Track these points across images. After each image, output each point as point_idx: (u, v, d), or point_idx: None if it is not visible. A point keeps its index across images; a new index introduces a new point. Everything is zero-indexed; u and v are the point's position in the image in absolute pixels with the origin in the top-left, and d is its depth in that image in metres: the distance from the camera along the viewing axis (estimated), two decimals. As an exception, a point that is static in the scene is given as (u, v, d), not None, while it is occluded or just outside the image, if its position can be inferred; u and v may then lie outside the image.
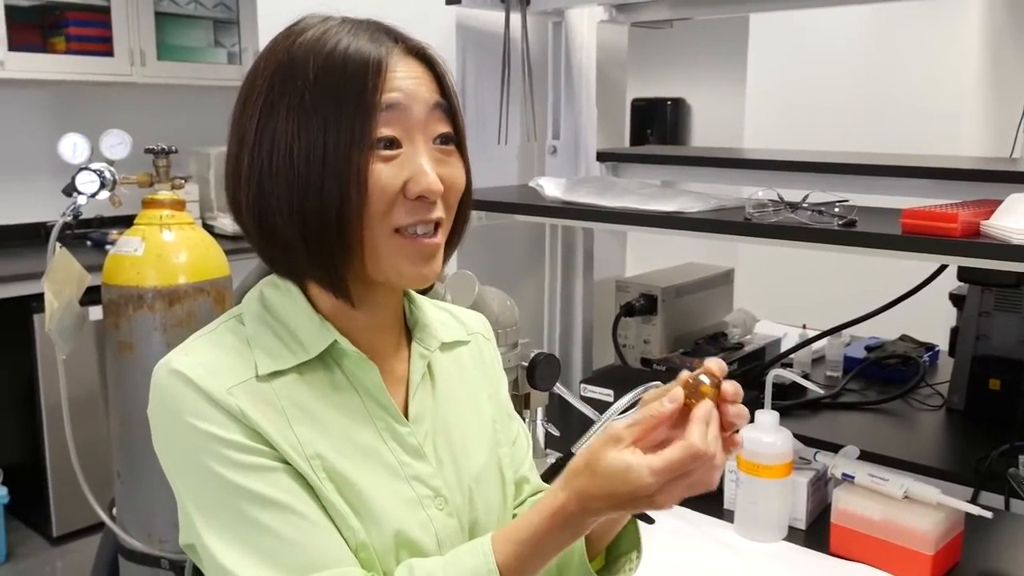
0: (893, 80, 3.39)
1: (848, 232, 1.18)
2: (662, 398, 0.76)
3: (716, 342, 1.93)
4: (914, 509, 1.21)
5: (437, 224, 0.83)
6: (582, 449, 0.80)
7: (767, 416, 1.32)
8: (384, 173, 0.79)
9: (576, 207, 1.51)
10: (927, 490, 1.21)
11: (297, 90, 0.79)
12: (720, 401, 0.76)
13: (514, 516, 0.97)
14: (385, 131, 0.79)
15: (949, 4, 3.31)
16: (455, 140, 0.85)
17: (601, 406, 1.45)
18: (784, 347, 1.99)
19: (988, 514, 1.16)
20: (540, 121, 1.84)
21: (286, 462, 0.80)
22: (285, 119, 0.79)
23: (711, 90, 4.01)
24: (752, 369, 1.88)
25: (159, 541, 1.94)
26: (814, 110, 3.24)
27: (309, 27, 0.82)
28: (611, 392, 1.59)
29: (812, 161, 1.58)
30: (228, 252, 2.07)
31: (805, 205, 1.25)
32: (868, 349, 2.01)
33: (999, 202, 1.18)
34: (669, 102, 4.14)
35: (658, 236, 1.48)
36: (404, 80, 0.80)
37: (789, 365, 1.95)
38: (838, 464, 1.31)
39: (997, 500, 1.39)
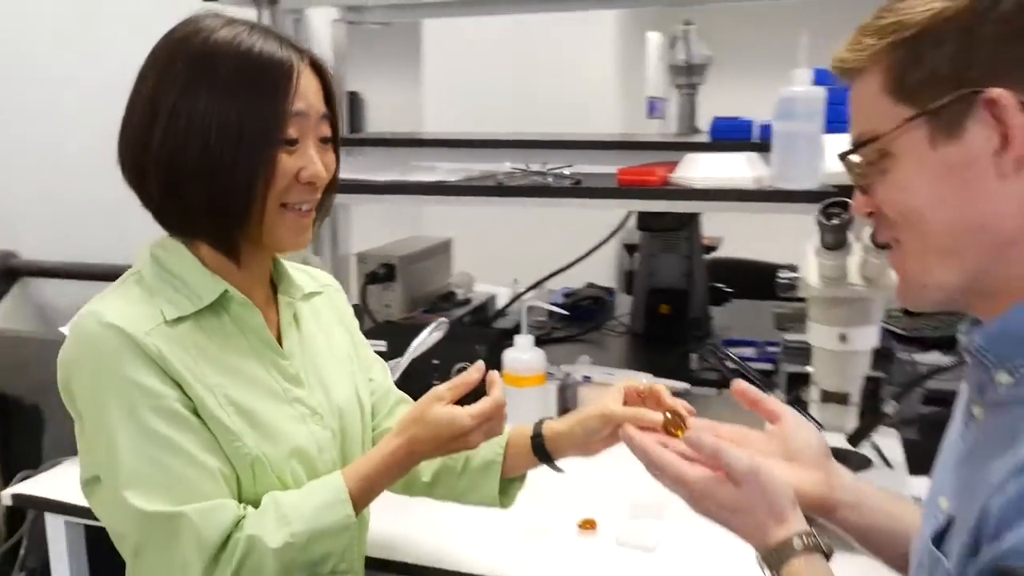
0: (546, 73, 3.97)
1: (583, 188, 1.56)
2: (471, 367, 1.07)
3: (449, 300, 2.25)
4: (638, 393, 1.63)
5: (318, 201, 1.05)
6: (411, 407, 1.08)
7: (524, 339, 1.66)
8: (287, 163, 0.98)
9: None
10: (643, 378, 1.64)
11: (218, 78, 0.95)
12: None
13: (374, 429, 1.22)
14: (292, 132, 0.98)
15: (588, 15, 3.96)
16: (332, 140, 1.06)
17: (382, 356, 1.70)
18: (499, 301, 2.38)
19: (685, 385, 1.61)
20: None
21: (190, 401, 0.96)
22: (205, 103, 0.95)
23: (387, 83, 4.31)
24: (481, 319, 2.23)
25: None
26: (484, 97, 3.66)
27: (218, 26, 0.98)
28: (385, 343, 1.83)
29: (520, 139, 1.95)
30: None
31: (545, 171, 1.61)
32: (566, 296, 2.46)
33: (675, 163, 1.63)
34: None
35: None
36: (307, 91, 0.99)
37: (505, 314, 2.33)
38: (578, 369, 1.69)
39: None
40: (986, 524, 0.65)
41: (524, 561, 1.25)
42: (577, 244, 2.48)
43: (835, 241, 1.17)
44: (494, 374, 1.08)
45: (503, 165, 1.68)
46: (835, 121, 1.56)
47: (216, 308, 1.02)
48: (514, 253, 3.01)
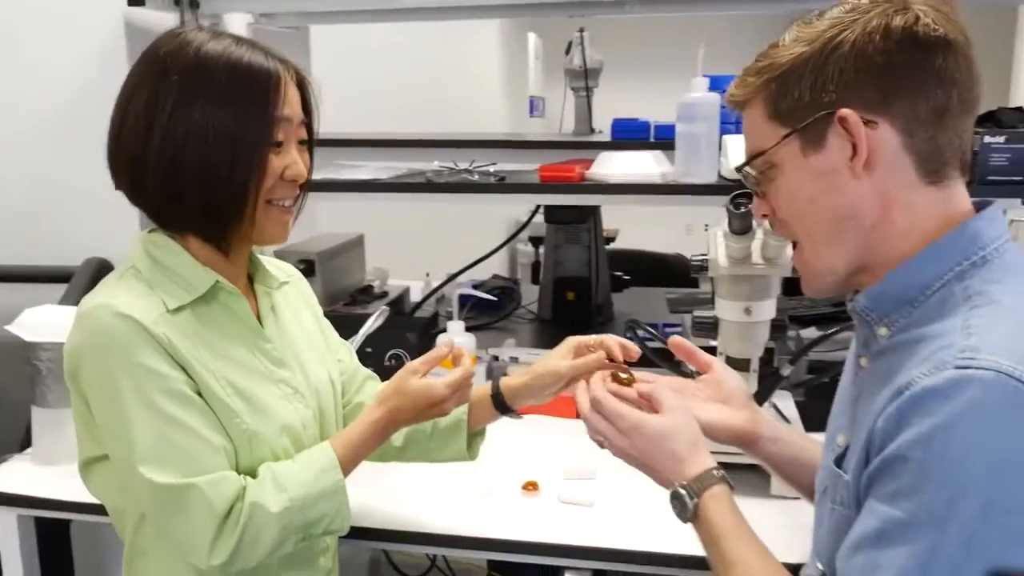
0: (435, 76, 4.08)
1: (510, 184, 1.70)
2: (440, 345, 1.22)
3: (367, 293, 2.35)
4: (561, 370, 1.79)
5: (296, 198, 1.15)
6: (389, 382, 1.21)
7: (456, 325, 1.79)
8: (275, 162, 1.09)
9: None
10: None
11: (213, 88, 1.04)
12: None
13: (345, 405, 1.32)
14: (279, 135, 1.08)
15: (473, 25, 4.10)
16: (308, 143, 1.16)
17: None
18: (411, 292, 2.49)
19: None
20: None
21: (194, 383, 1.05)
22: (201, 110, 1.03)
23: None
24: (399, 310, 2.34)
25: None
26: (374, 98, 3.75)
27: (206, 39, 1.06)
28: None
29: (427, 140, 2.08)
30: None
31: (472, 168, 1.74)
32: (475, 287, 2.59)
33: (588, 160, 1.79)
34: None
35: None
36: (291, 99, 1.10)
37: (420, 305, 2.45)
38: (506, 351, 1.83)
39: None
40: (874, 441, 0.83)
41: (478, 520, 1.38)
42: (464, 239, 2.62)
43: (741, 227, 1.36)
44: (461, 348, 1.21)
45: (431, 163, 1.80)
46: (726, 123, 1.78)
47: (207, 298, 1.11)
48: (411, 247, 3.13)
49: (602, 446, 1.07)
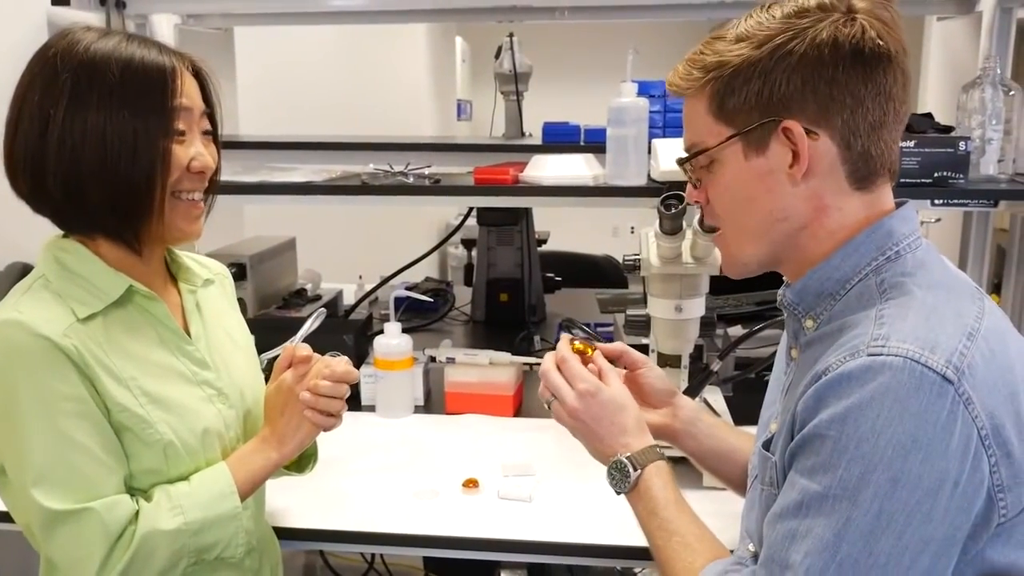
0: (363, 78, 4.07)
1: (446, 186, 1.72)
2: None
3: (301, 296, 2.34)
4: (497, 370, 1.81)
5: (204, 191, 1.14)
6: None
7: (392, 326, 1.80)
8: (179, 153, 1.08)
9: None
10: (503, 356, 1.82)
11: (106, 86, 1.02)
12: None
13: None
14: (180, 125, 1.07)
15: (401, 27, 4.10)
16: (213, 134, 1.15)
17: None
18: (344, 295, 2.49)
19: (537, 360, 1.81)
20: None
21: (102, 399, 1.03)
22: (96, 108, 1.01)
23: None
24: (332, 313, 2.34)
25: None
26: (302, 101, 3.73)
27: (95, 38, 1.04)
28: (251, 336, 1.91)
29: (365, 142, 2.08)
30: None
31: (406, 171, 1.76)
32: (408, 289, 2.60)
33: (524, 163, 1.83)
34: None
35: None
36: (189, 89, 1.09)
37: (354, 308, 2.45)
38: (442, 352, 1.85)
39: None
40: (796, 422, 0.89)
41: (417, 519, 1.39)
42: (393, 242, 2.62)
43: (672, 227, 1.41)
44: (296, 346, 1.23)
45: (365, 166, 1.81)
46: (655, 127, 1.84)
47: (122, 302, 1.09)
48: (339, 251, 3.12)
49: (549, 406, 1.11)
